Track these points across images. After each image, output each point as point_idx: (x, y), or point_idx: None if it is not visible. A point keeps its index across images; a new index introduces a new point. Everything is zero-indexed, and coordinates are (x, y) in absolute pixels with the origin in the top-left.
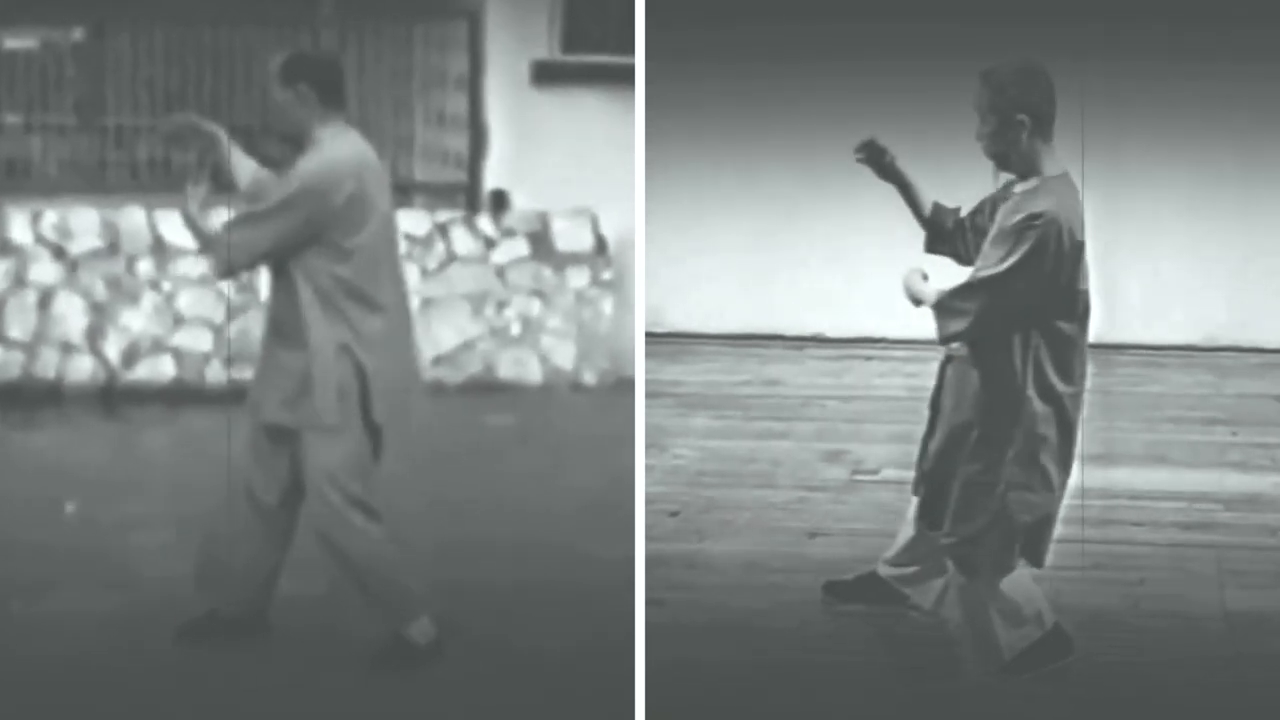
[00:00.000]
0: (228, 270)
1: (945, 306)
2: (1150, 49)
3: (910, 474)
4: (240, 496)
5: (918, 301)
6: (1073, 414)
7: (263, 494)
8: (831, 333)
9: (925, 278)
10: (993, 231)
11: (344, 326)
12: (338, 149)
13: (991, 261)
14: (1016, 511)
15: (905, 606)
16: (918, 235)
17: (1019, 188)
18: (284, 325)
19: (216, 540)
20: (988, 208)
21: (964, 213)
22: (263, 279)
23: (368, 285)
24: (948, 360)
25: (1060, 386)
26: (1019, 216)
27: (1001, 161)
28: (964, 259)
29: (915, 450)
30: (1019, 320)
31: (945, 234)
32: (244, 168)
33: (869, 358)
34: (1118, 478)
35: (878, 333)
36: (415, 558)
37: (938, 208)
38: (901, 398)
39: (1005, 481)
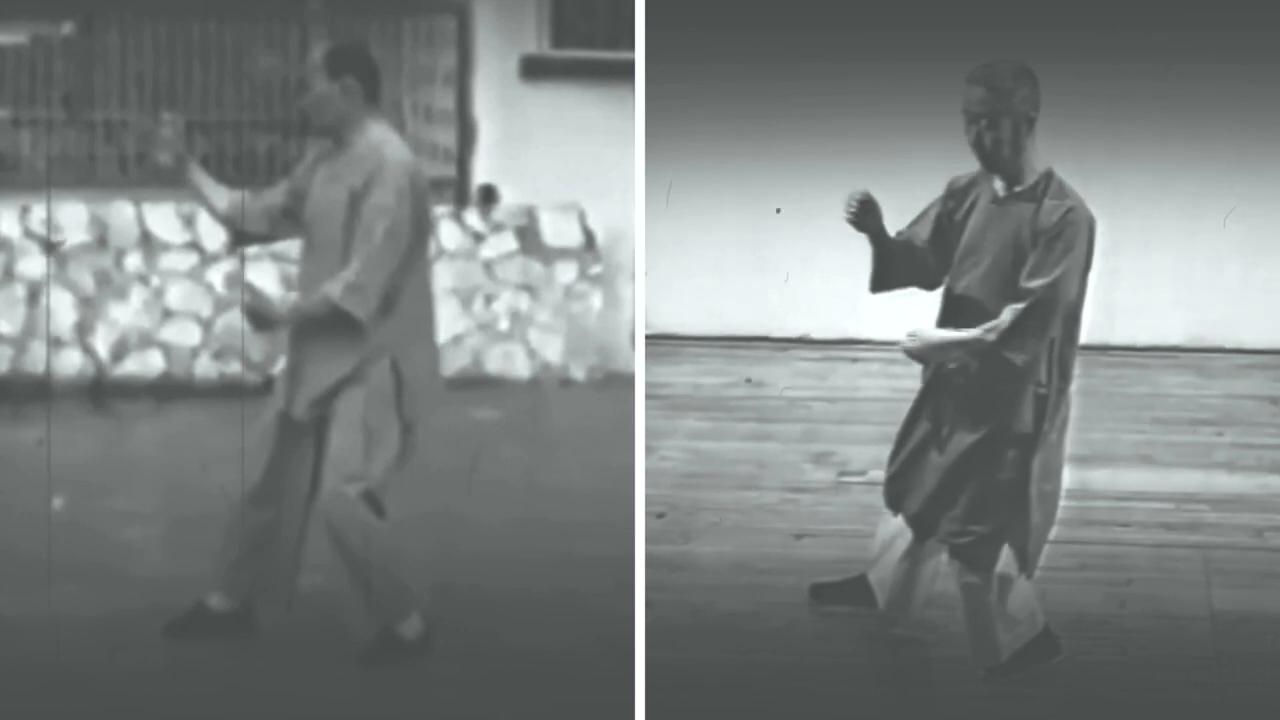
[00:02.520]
0: (371, 311)
1: (1010, 339)
2: (1143, 50)
3: None
4: (257, 493)
5: (926, 358)
6: (1070, 401)
7: (282, 487)
8: (818, 334)
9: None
10: (967, 232)
11: (397, 328)
12: (402, 144)
13: (1043, 268)
14: (1038, 505)
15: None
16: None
17: (1009, 188)
18: (333, 326)
19: (236, 540)
20: (945, 221)
21: (915, 233)
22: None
23: (421, 285)
24: (953, 371)
25: (1070, 376)
26: (1058, 214)
27: (997, 164)
28: (927, 282)
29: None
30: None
31: (902, 262)
32: (217, 193)
33: (855, 359)
34: (1104, 478)
35: (864, 334)
36: (407, 555)
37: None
38: (888, 399)
39: (1028, 477)
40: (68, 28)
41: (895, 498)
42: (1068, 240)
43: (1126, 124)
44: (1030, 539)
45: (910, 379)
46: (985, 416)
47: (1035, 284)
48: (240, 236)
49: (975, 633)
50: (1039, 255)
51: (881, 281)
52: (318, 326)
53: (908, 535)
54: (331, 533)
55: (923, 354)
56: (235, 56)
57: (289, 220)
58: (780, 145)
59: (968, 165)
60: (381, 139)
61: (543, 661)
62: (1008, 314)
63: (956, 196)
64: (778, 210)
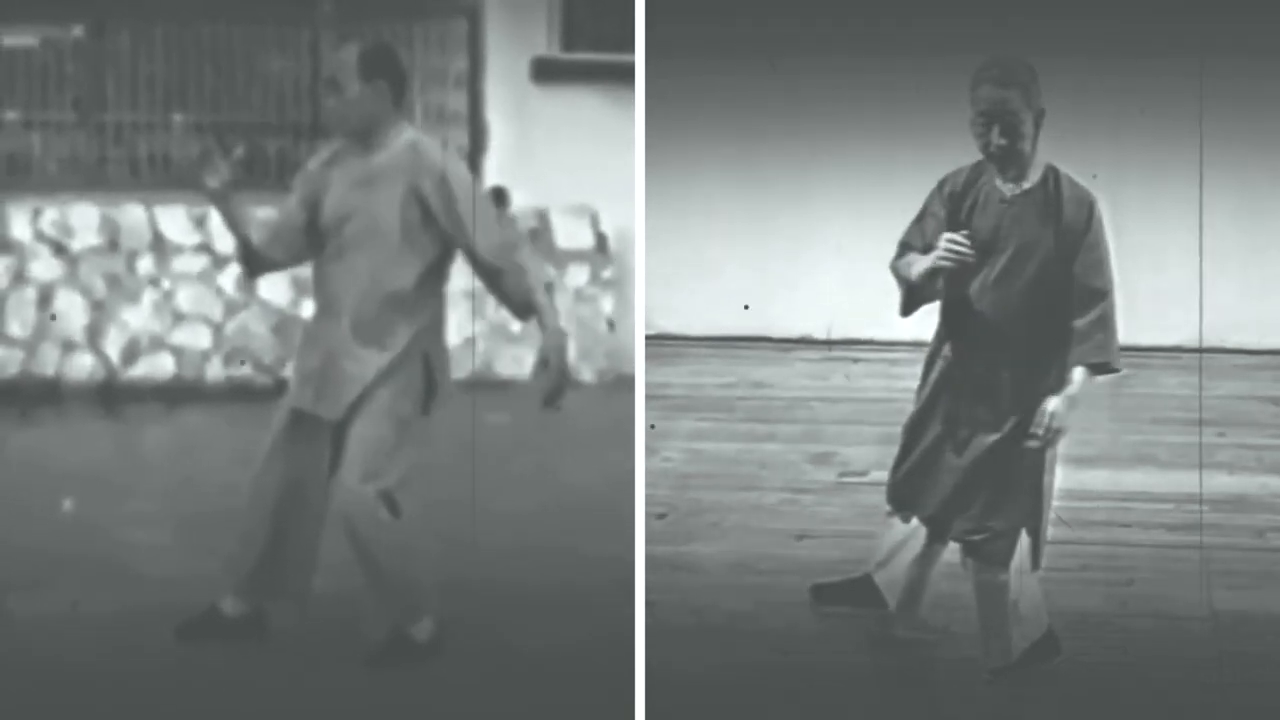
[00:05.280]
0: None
1: (1110, 347)
2: (1143, 47)
3: None
4: (273, 495)
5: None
6: None
7: (298, 488)
8: (819, 335)
9: (1046, 420)
10: (973, 232)
11: (430, 324)
12: (434, 141)
13: (1099, 266)
14: (1048, 494)
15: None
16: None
17: (1016, 186)
18: (365, 324)
19: (250, 543)
20: (951, 224)
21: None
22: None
23: (441, 284)
24: (965, 371)
25: None
26: (1086, 211)
27: (1014, 162)
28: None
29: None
30: None
31: (933, 283)
32: (250, 226)
33: (856, 360)
34: (1104, 479)
35: (865, 335)
36: (416, 556)
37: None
38: (889, 400)
39: (1043, 469)
40: (78, 30)
41: (905, 501)
42: (1104, 235)
43: (1127, 123)
44: (1043, 531)
45: (911, 379)
46: (1006, 415)
47: (1102, 283)
48: (258, 266)
49: (989, 632)
50: (1087, 254)
51: (915, 304)
52: (363, 331)
53: (920, 537)
54: (348, 531)
55: (1062, 428)
56: (246, 59)
57: (308, 238)
58: (782, 146)
59: (968, 161)
60: (418, 139)
61: (544, 661)
62: (1097, 330)
63: (956, 198)
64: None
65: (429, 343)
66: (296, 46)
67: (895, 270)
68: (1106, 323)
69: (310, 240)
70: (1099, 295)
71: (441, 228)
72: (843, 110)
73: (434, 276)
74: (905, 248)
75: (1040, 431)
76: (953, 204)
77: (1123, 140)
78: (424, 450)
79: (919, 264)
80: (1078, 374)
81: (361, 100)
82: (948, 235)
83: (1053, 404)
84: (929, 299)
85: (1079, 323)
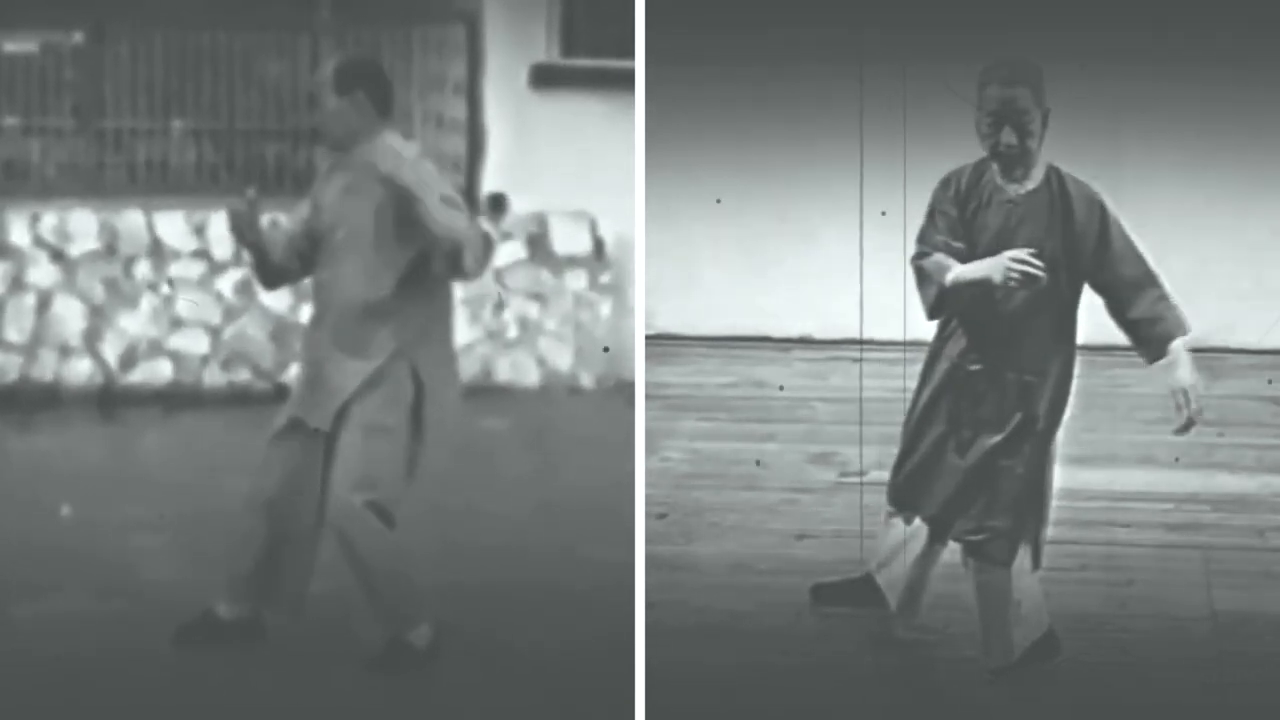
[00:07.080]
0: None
1: (1184, 319)
2: (1144, 50)
3: None
4: (269, 500)
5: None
6: None
7: (294, 494)
8: (819, 334)
9: (1188, 398)
10: (984, 233)
11: (419, 331)
12: (414, 147)
13: (1134, 251)
14: (1048, 494)
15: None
16: (905, 235)
17: (1021, 186)
18: (346, 333)
19: (247, 548)
20: (961, 230)
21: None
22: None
23: (443, 292)
24: (968, 372)
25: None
26: (1097, 209)
27: (1024, 163)
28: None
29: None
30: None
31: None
32: (271, 245)
33: (856, 359)
34: (1105, 479)
35: (865, 334)
36: (416, 561)
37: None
38: (889, 399)
39: (1044, 468)
40: (78, 36)
41: (907, 501)
42: (1121, 224)
43: (1127, 125)
44: (1043, 530)
45: (911, 379)
46: (1009, 414)
47: (1145, 266)
48: (276, 279)
49: (990, 631)
50: (1116, 249)
51: (944, 308)
52: (346, 339)
53: (921, 537)
54: (339, 541)
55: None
56: (245, 65)
57: (314, 244)
58: (782, 146)
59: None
60: (377, 144)
61: (544, 662)
62: (1165, 309)
63: (961, 199)
64: (718, 200)
65: (417, 352)
66: (295, 52)
67: (921, 269)
68: (1168, 297)
69: (311, 247)
70: (1147, 279)
71: (414, 226)
72: (842, 112)
73: (412, 284)
74: (924, 244)
75: (1189, 413)
76: (959, 204)
77: (1123, 139)
78: (416, 459)
79: (958, 271)
80: (1178, 345)
81: (340, 113)
82: (1012, 254)
83: (1189, 384)
84: (958, 304)
85: (1135, 313)
